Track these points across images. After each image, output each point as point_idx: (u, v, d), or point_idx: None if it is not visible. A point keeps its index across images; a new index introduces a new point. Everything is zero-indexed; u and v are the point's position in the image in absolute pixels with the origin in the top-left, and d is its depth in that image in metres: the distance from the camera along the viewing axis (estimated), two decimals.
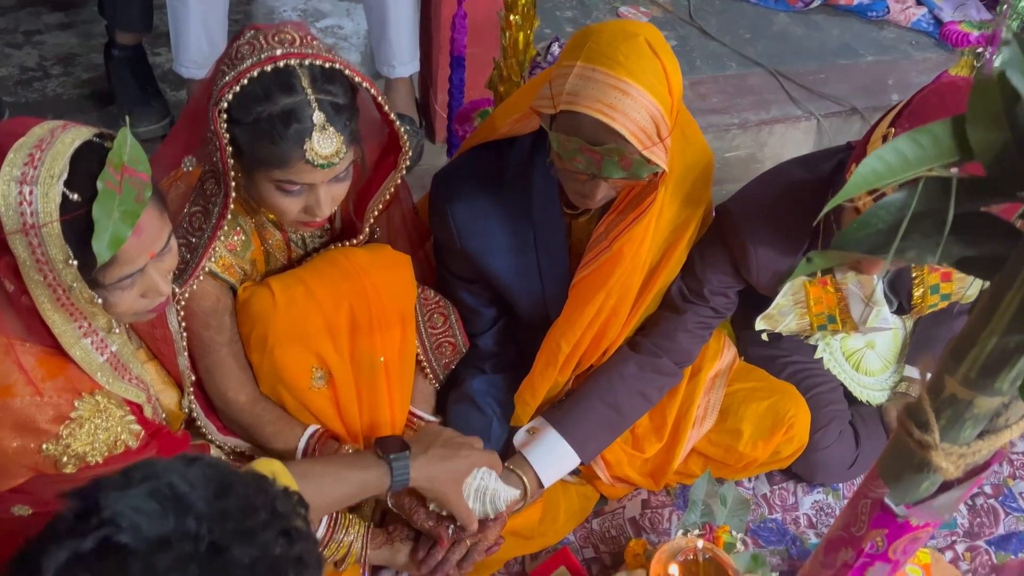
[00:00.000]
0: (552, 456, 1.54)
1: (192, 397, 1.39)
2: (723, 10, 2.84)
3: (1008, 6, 1.92)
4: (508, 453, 1.59)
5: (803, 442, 1.67)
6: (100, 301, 1.08)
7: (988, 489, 1.82)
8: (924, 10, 2.83)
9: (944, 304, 1.66)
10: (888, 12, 2.83)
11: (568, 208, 1.49)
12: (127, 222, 1.01)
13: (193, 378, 1.38)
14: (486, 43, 1.99)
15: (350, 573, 1.45)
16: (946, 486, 0.81)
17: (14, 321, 1.08)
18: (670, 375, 1.61)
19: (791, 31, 2.78)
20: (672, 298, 1.58)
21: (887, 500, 0.82)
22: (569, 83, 1.25)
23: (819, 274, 1.56)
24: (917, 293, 1.63)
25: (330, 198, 1.28)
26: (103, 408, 1.14)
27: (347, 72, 1.24)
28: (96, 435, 1.12)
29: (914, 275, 1.60)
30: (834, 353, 1.82)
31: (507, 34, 1.67)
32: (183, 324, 1.33)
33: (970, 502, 1.80)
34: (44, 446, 1.08)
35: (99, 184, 0.99)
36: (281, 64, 1.18)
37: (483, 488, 1.39)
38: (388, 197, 1.45)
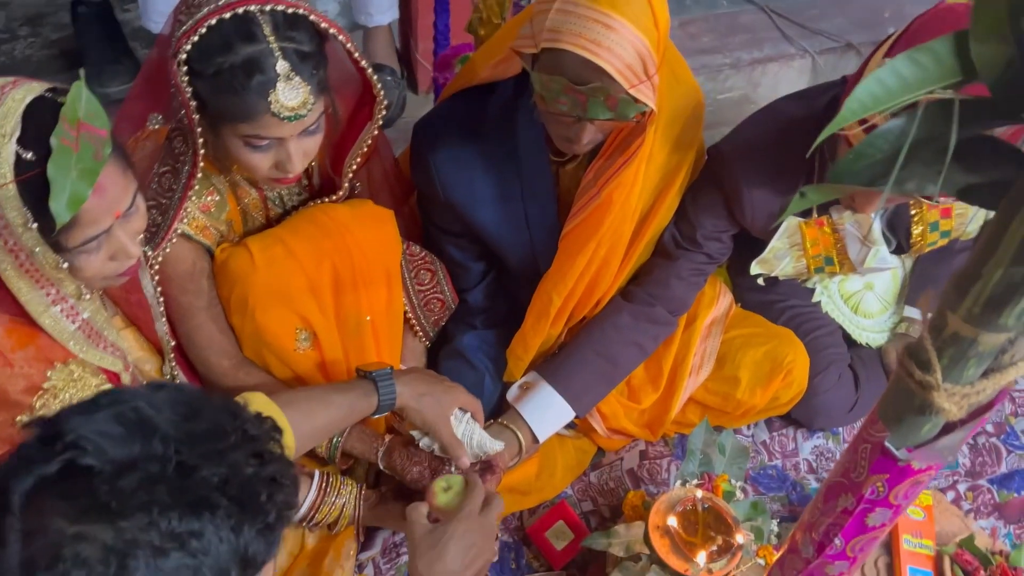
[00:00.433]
0: (546, 411, 1.51)
1: (174, 363, 1.35)
2: None
3: None
4: (501, 409, 1.56)
5: (802, 387, 1.65)
6: (66, 266, 1.03)
7: (990, 428, 1.80)
8: None
9: (944, 241, 1.61)
10: None
11: (555, 155, 1.44)
12: (86, 181, 0.96)
13: (173, 344, 1.34)
14: None
15: (344, 535, 1.43)
16: (948, 428, 0.78)
17: None
18: (665, 324, 1.57)
19: None
20: (665, 245, 1.54)
21: (887, 444, 0.79)
22: (550, 19, 1.19)
23: (815, 215, 1.51)
24: (916, 231, 1.58)
25: (302, 152, 1.23)
26: (77, 378, 1.10)
27: (312, 17, 1.17)
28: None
29: (912, 213, 1.56)
30: (832, 296, 1.78)
31: None
32: (159, 289, 1.29)
33: (972, 441, 1.78)
34: (18, 418, 1.05)
35: (53, 141, 0.94)
36: (240, 11, 1.12)
37: (468, 435, 1.36)
38: (366, 150, 1.40)
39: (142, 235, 1.13)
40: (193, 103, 1.16)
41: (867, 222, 1.49)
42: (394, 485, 1.41)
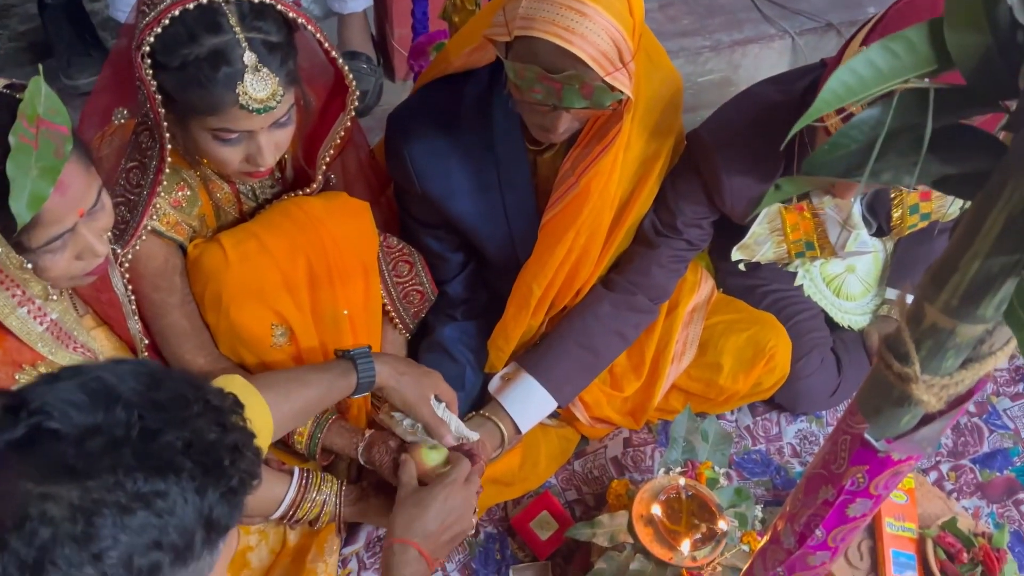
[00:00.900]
0: (528, 401, 1.50)
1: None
2: None
3: None
4: (483, 401, 1.55)
5: (785, 372, 1.64)
6: (30, 266, 1.01)
7: (972, 408, 1.81)
8: None
9: (924, 224, 1.61)
10: None
11: (532, 144, 1.42)
12: (47, 179, 0.93)
13: (146, 342, 1.32)
14: None
15: (327, 531, 1.42)
16: (927, 419, 0.77)
17: None
18: (646, 312, 1.56)
19: None
20: (645, 233, 1.52)
21: (867, 436, 0.78)
22: (523, 7, 1.16)
23: (795, 200, 1.50)
24: (896, 214, 1.58)
25: (272, 145, 1.20)
26: None
27: (279, 7, 1.15)
28: None
29: (892, 196, 1.55)
30: (814, 279, 1.77)
31: None
32: (129, 287, 1.27)
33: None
34: None
35: (11, 139, 0.91)
36: (205, 0, 1.09)
37: (447, 420, 1.35)
38: (339, 141, 1.37)
39: (109, 233, 1.10)
40: (159, 97, 1.14)
41: (847, 206, 1.48)
42: (375, 480, 1.40)
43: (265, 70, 1.13)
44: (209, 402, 0.69)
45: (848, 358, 1.73)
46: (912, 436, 0.78)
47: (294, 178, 1.45)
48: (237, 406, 0.73)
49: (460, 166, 1.43)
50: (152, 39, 1.10)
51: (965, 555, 1.38)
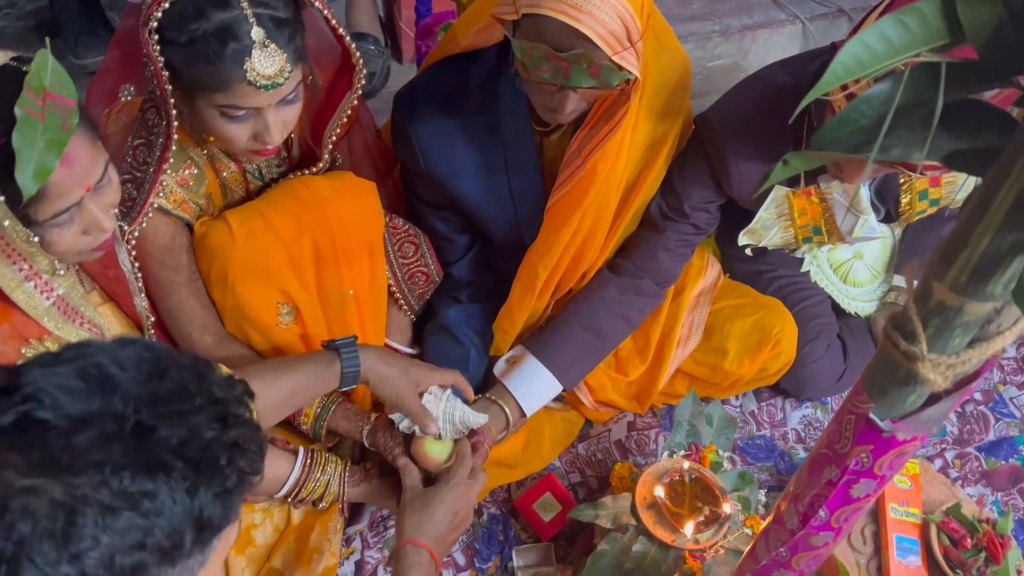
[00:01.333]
0: (533, 384, 1.50)
1: (154, 339, 1.33)
2: None
3: None
4: (488, 383, 1.55)
5: (790, 358, 1.64)
6: (37, 240, 1.01)
7: (978, 396, 1.80)
8: None
9: (933, 210, 1.60)
10: None
11: (538, 125, 1.42)
12: (53, 151, 0.93)
13: (153, 319, 1.32)
14: None
15: (331, 510, 1.43)
16: (934, 398, 0.77)
17: None
18: (651, 296, 1.56)
19: None
20: (652, 216, 1.52)
21: (872, 415, 0.78)
22: None
23: (802, 184, 1.49)
24: (905, 200, 1.57)
25: (280, 123, 1.20)
26: None
27: None
28: None
29: (901, 181, 1.54)
30: (821, 265, 1.77)
31: None
32: (136, 264, 1.27)
33: (960, 409, 1.78)
34: None
35: (17, 110, 0.91)
36: None
37: (449, 411, 1.35)
38: (346, 120, 1.37)
39: (116, 209, 1.10)
40: (165, 73, 1.13)
41: (855, 191, 1.47)
42: (379, 462, 1.40)
43: (273, 46, 1.12)
44: (213, 395, 0.67)
45: (854, 344, 1.72)
46: (917, 416, 0.77)
47: (300, 158, 1.44)
48: (246, 395, 0.70)
49: (466, 146, 1.42)
50: (160, 14, 1.09)
51: (969, 541, 1.38)
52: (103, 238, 1.08)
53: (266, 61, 1.12)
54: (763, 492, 1.49)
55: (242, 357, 1.38)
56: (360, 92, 1.33)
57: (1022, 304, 0.65)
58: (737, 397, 1.77)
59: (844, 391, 1.76)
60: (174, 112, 1.17)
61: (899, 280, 1.77)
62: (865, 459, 0.82)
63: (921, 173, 1.32)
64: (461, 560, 1.52)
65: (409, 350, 1.60)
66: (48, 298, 1.09)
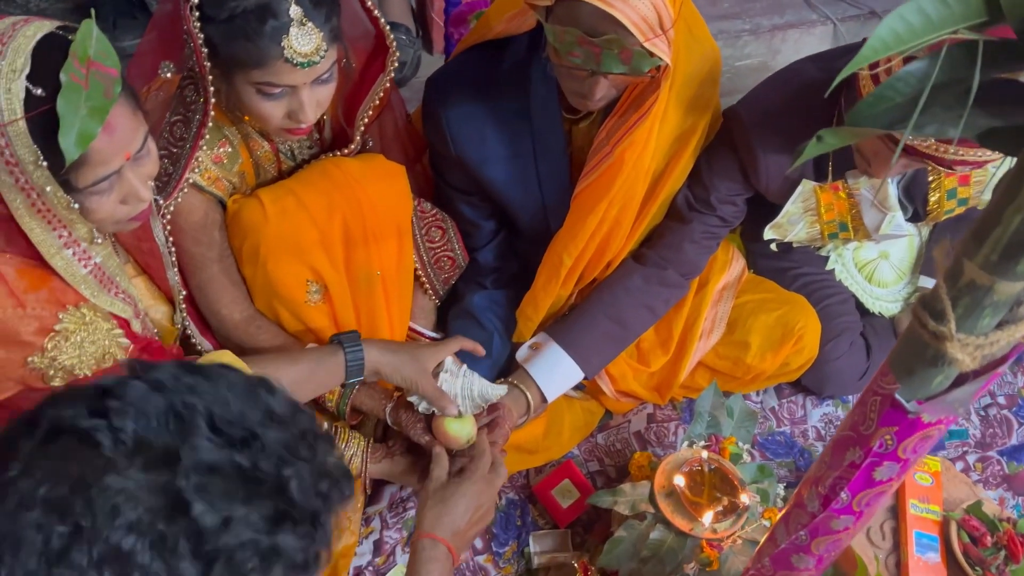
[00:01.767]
0: (555, 371, 1.51)
1: (184, 313, 1.35)
2: None
3: None
4: (510, 369, 1.56)
5: (813, 354, 1.64)
6: (77, 207, 1.03)
7: (1002, 400, 1.79)
8: None
9: (961, 210, 1.59)
10: None
11: (568, 113, 1.43)
12: (96, 118, 0.95)
13: (184, 293, 1.34)
14: None
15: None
16: (960, 380, 0.77)
17: None
18: (676, 287, 1.56)
19: None
20: (678, 207, 1.52)
21: (898, 396, 0.78)
22: None
23: (830, 178, 1.49)
24: (933, 198, 1.56)
25: (314, 102, 1.22)
26: (89, 321, 1.11)
27: None
28: (83, 348, 1.09)
29: (930, 179, 1.54)
30: (846, 264, 1.76)
31: None
32: (170, 239, 1.29)
33: (983, 412, 1.77)
34: (29, 359, 1.06)
35: (63, 77, 0.93)
36: None
37: (467, 386, 1.36)
38: (378, 103, 1.39)
39: (153, 182, 1.12)
40: (205, 50, 1.16)
41: (882, 187, 1.47)
42: (402, 440, 1.42)
43: (310, 24, 1.14)
44: (316, 451, 0.63)
45: (878, 343, 1.72)
46: (944, 398, 0.77)
47: (332, 139, 1.46)
48: (337, 476, 0.66)
49: (495, 132, 1.44)
50: None
51: (989, 539, 1.37)
52: (140, 208, 1.10)
53: (303, 39, 1.14)
54: (782, 487, 1.49)
55: (268, 334, 1.40)
56: (392, 76, 1.35)
57: None
58: (758, 393, 1.77)
59: None
60: (212, 89, 1.20)
61: (925, 281, 1.76)
62: (889, 441, 0.82)
63: (951, 168, 1.31)
64: (479, 544, 1.53)
65: (433, 334, 1.61)
66: (86, 266, 1.12)
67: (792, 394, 1.77)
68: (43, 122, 0.95)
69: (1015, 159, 0.67)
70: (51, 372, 1.08)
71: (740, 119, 1.47)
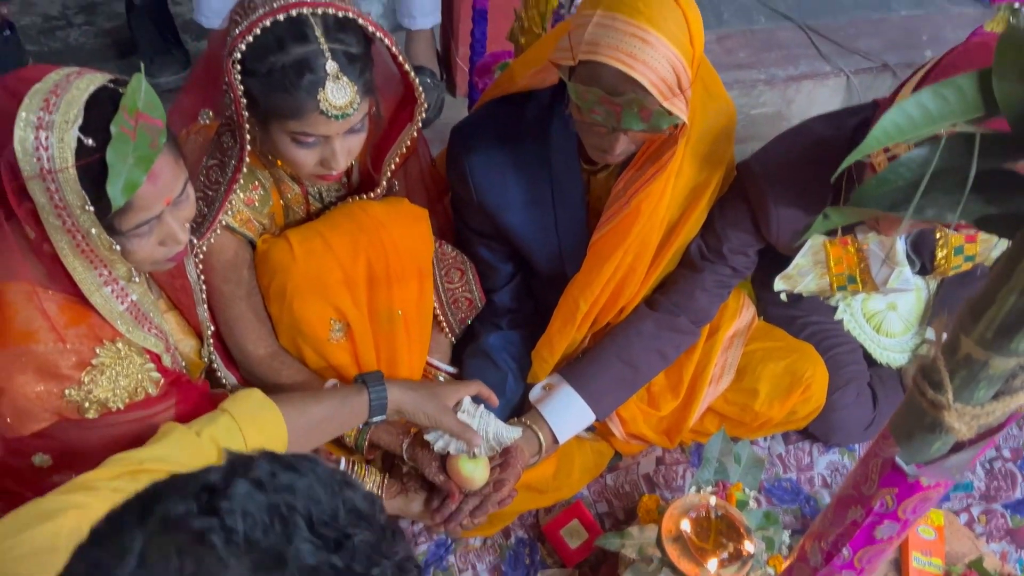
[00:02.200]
0: (568, 412, 1.55)
1: (212, 348, 1.40)
2: None
3: None
4: (523, 409, 1.60)
5: (820, 403, 1.67)
6: (119, 248, 1.09)
7: (1007, 453, 1.81)
8: None
9: (968, 266, 1.63)
10: None
11: (587, 163, 1.48)
12: (141, 167, 1.01)
13: (212, 328, 1.39)
14: None
15: None
16: (958, 447, 0.80)
17: (37, 268, 1.09)
18: (687, 333, 1.60)
19: None
20: (691, 256, 1.57)
21: (898, 459, 0.82)
22: (588, 32, 1.23)
23: (839, 233, 1.53)
24: (940, 254, 1.60)
25: (346, 150, 1.28)
26: (124, 356, 1.15)
27: (361, 21, 1.22)
28: (117, 381, 1.14)
29: (937, 236, 1.57)
30: (855, 314, 1.80)
31: None
32: (202, 277, 1.35)
33: (987, 465, 1.79)
34: (67, 391, 1.11)
35: (113, 129, 0.99)
36: (294, 13, 1.17)
37: (483, 427, 1.40)
38: (405, 150, 1.44)
39: (189, 223, 1.18)
40: (244, 100, 1.22)
41: (891, 243, 1.51)
42: (416, 477, 1.46)
43: (345, 79, 1.20)
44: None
45: (884, 394, 1.75)
46: (942, 463, 0.81)
47: (359, 182, 1.52)
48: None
49: (516, 180, 1.49)
50: (244, 46, 1.18)
51: None
52: (177, 250, 1.15)
53: (338, 93, 1.20)
54: (787, 533, 1.51)
55: (291, 370, 1.45)
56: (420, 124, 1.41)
57: None
58: (765, 439, 1.80)
59: (872, 439, 1.78)
60: (248, 137, 1.26)
61: (932, 333, 1.79)
62: (890, 501, 0.85)
63: (955, 230, 1.36)
64: None
65: (449, 368, 1.66)
66: (123, 303, 1.17)
67: (799, 440, 1.80)
68: (92, 170, 1.00)
69: (1010, 242, 0.71)
70: (86, 404, 1.13)
71: (753, 173, 1.51)
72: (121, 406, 1.15)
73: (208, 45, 1.35)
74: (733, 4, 2.60)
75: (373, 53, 1.29)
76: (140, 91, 1.03)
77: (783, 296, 1.68)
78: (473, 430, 1.38)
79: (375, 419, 1.35)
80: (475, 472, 1.39)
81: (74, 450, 1.17)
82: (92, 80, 1.03)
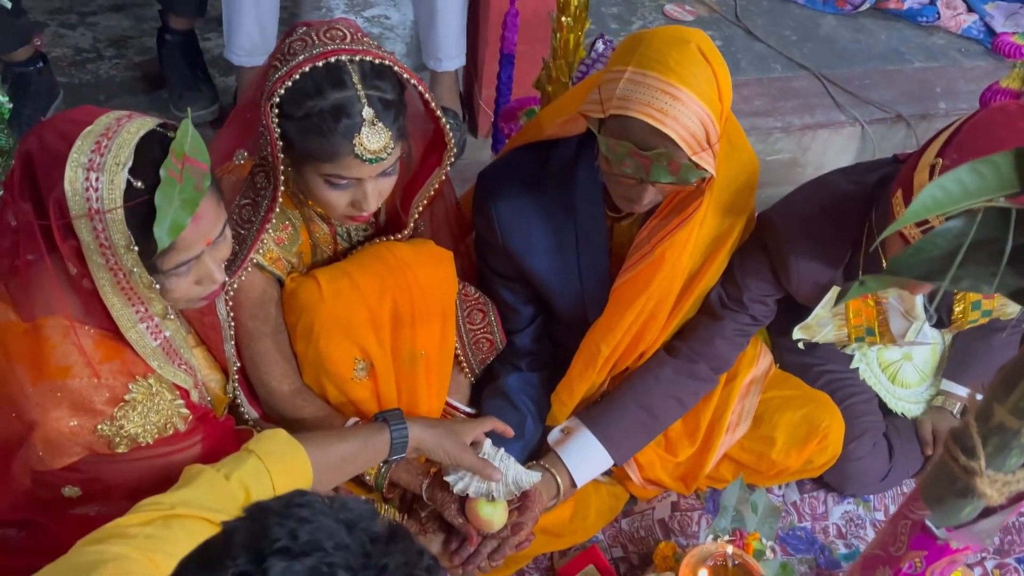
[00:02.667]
0: (586, 456, 1.56)
1: (236, 383, 1.42)
2: (769, 11, 2.82)
3: None
4: (542, 451, 1.60)
5: (836, 452, 1.67)
6: (158, 287, 1.11)
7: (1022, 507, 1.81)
8: (975, 17, 2.79)
9: (985, 320, 1.65)
10: (939, 18, 2.79)
11: (611, 211, 1.50)
12: (187, 210, 1.04)
13: (238, 365, 1.41)
14: (533, 41, 2.00)
15: None
16: (988, 511, 0.82)
17: (74, 304, 1.11)
18: (706, 380, 1.61)
19: (838, 34, 2.75)
20: (711, 304, 1.58)
21: (928, 523, 0.83)
22: (620, 87, 1.26)
23: None
24: (958, 309, 1.62)
25: (377, 193, 1.30)
26: (155, 392, 1.17)
27: (396, 68, 1.26)
28: (148, 417, 1.16)
29: (956, 292, 1.59)
30: (870, 364, 1.81)
31: (558, 35, 1.67)
32: (231, 314, 1.37)
33: None
34: (99, 427, 1.12)
35: (162, 172, 1.02)
36: (332, 60, 1.20)
37: (503, 471, 1.41)
38: (433, 193, 1.47)
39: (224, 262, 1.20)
40: (280, 143, 1.24)
41: (911, 298, 1.53)
42: (435, 517, 1.46)
43: (380, 124, 1.23)
44: None
45: (900, 445, 1.75)
46: (972, 527, 0.82)
47: (386, 223, 1.54)
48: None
49: (541, 225, 1.51)
50: (282, 91, 1.21)
51: None
52: (212, 289, 1.17)
53: (373, 138, 1.23)
54: None
55: (312, 407, 1.46)
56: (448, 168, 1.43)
57: None
58: (780, 487, 1.80)
59: (887, 490, 1.79)
60: (282, 178, 1.28)
61: (947, 385, 1.80)
62: (918, 564, 0.86)
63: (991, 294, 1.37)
64: None
65: (468, 409, 1.67)
66: (156, 339, 1.19)
67: (814, 489, 1.80)
68: (138, 211, 1.03)
69: None
70: (117, 439, 1.14)
71: (773, 225, 1.54)
72: (150, 441, 1.17)
73: (245, 89, 1.38)
74: (750, 52, 2.64)
75: (406, 97, 1.32)
76: (188, 136, 1.06)
77: (800, 344, 1.70)
78: (493, 465, 1.39)
79: (395, 457, 1.36)
80: (494, 515, 1.40)
81: (102, 483, 1.18)
82: (143, 124, 1.05)
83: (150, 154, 1.04)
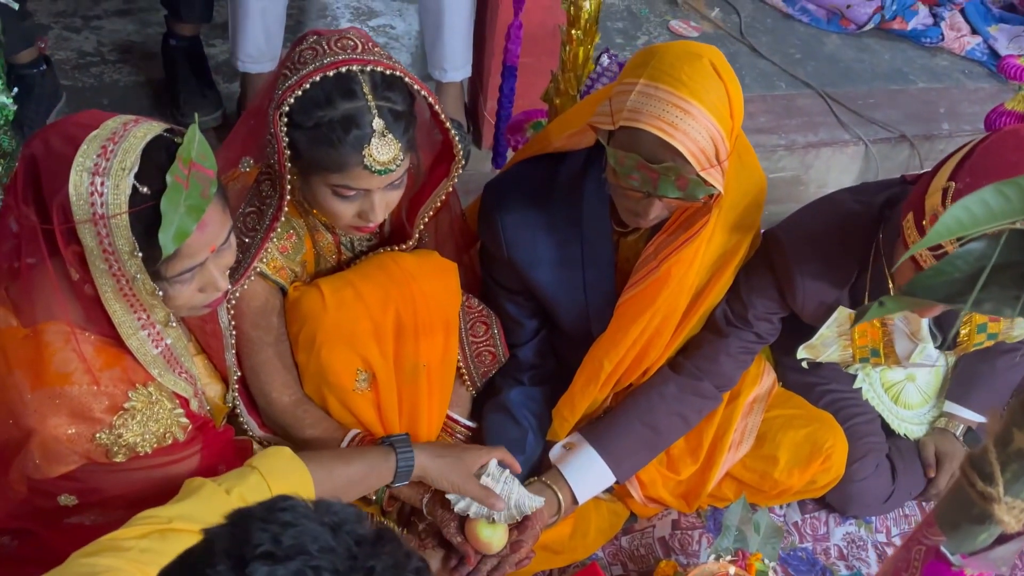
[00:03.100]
0: (588, 473, 1.54)
1: (236, 392, 1.40)
2: (774, 29, 2.82)
3: None
4: (543, 467, 1.59)
5: (839, 473, 1.66)
6: (161, 294, 1.09)
7: None
8: (979, 39, 2.80)
9: (990, 343, 1.64)
10: (943, 39, 2.80)
11: (617, 226, 1.49)
12: (192, 216, 1.02)
13: (238, 374, 1.39)
14: (538, 53, 1.99)
15: None
16: (1004, 538, 0.80)
17: (75, 310, 1.10)
18: (710, 398, 1.60)
19: (842, 53, 2.76)
20: (716, 321, 1.57)
21: (943, 548, 0.81)
22: (631, 100, 1.25)
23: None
24: (963, 331, 1.61)
25: (384, 204, 1.29)
26: (155, 400, 1.16)
27: (407, 80, 1.25)
28: (147, 426, 1.14)
29: (962, 313, 1.58)
30: (873, 384, 1.80)
31: (567, 48, 1.67)
32: (232, 323, 1.35)
33: None
34: (97, 435, 1.10)
35: (168, 178, 1.00)
36: (343, 70, 1.20)
37: (506, 494, 1.39)
38: (439, 204, 1.46)
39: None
40: (287, 152, 1.23)
41: (916, 320, 1.52)
42: (433, 533, 1.44)
43: (390, 136, 1.22)
44: None
45: (903, 466, 1.74)
46: (987, 554, 0.81)
47: (391, 233, 1.53)
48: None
49: (547, 238, 1.50)
50: (292, 100, 1.20)
51: None
52: (215, 296, 1.16)
53: (383, 149, 1.22)
54: None
55: (313, 418, 1.44)
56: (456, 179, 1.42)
57: None
58: (781, 506, 1.78)
59: (890, 512, 1.77)
60: (289, 187, 1.27)
61: (950, 407, 1.79)
62: None
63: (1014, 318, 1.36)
64: None
65: (468, 423, 1.65)
66: (157, 347, 1.17)
67: (815, 510, 1.79)
68: (143, 216, 1.01)
69: None
70: (115, 448, 1.12)
71: (780, 243, 1.53)
72: (149, 450, 1.15)
73: (254, 96, 1.37)
74: (754, 70, 2.65)
75: (415, 109, 1.31)
76: (195, 141, 1.05)
77: (804, 363, 1.69)
78: (496, 495, 1.37)
79: (398, 484, 1.34)
80: (493, 537, 1.38)
81: (99, 492, 1.16)
82: (150, 129, 1.04)
83: (156, 160, 1.02)
